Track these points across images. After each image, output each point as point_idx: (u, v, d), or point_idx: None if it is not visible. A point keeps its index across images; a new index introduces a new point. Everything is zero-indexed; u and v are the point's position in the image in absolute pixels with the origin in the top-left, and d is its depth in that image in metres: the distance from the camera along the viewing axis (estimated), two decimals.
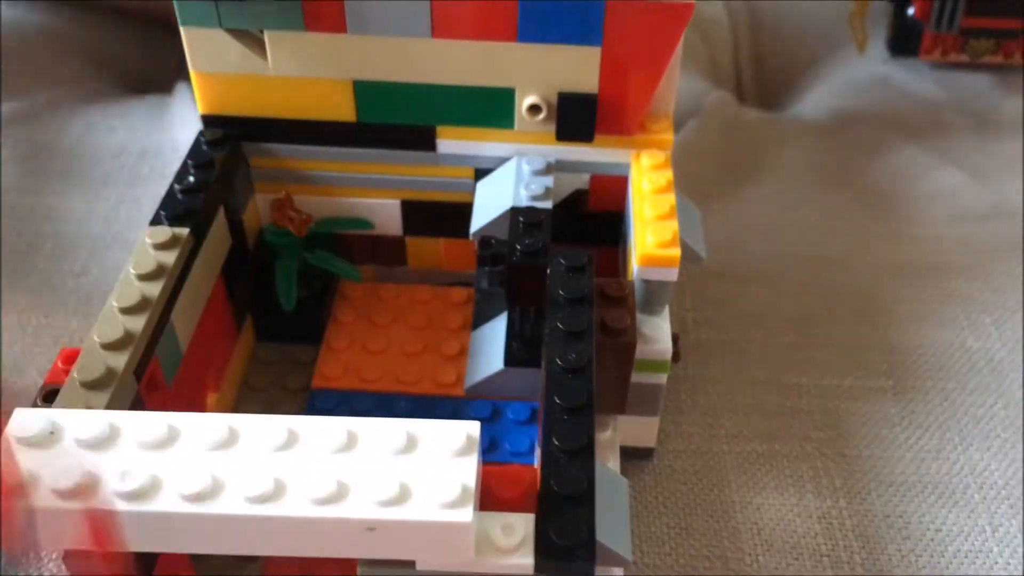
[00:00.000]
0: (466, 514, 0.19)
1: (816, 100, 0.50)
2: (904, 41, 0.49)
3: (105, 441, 0.20)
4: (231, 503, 0.19)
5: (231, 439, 0.21)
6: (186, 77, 0.53)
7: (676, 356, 0.33)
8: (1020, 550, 0.29)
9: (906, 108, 0.47)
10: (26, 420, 0.21)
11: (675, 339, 0.32)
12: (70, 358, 0.25)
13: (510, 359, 0.31)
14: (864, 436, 0.32)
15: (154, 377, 0.26)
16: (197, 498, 0.19)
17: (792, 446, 0.32)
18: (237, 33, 0.29)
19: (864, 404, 0.33)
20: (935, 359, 0.35)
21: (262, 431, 0.21)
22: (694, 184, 0.42)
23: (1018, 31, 0.46)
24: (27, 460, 0.20)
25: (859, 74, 0.50)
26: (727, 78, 0.55)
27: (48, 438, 0.20)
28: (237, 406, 0.32)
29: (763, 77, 0.54)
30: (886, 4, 0.50)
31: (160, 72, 0.52)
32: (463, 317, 0.35)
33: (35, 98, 0.45)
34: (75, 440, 0.20)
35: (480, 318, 0.33)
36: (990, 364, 0.35)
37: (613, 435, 0.30)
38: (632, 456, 0.31)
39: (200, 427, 0.21)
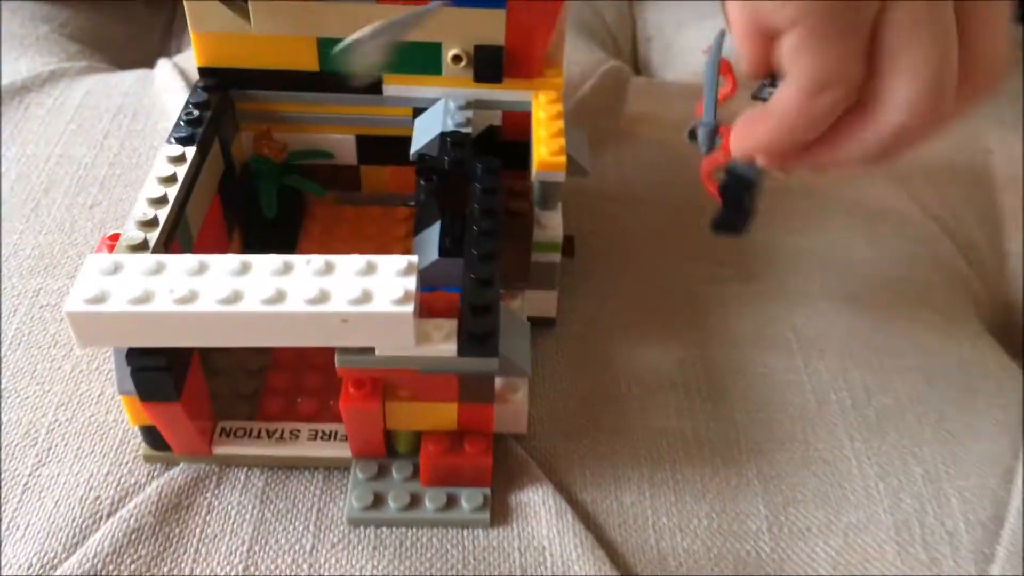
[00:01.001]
0: (409, 308, 0.29)
1: (691, 69, 0.60)
2: None
3: (155, 271, 0.29)
4: (249, 304, 0.28)
5: (244, 268, 0.30)
6: (166, 54, 0.62)
7: (571, 252, 0.43)
8: (824, 378, 0.39)
9: None
10: (98, 259, 0.30)
11: (570, 239, 0.42)
12: (114, 237, 0.34)
13: (443, 251, 0.40)
14: (715, 308, 0.42)
15: (175, 250, 0.35)
16: (225, 302, 0.28)
17: (661, 316, 0.42)
18: (227, 1, 0.38)
19: (716, 287, 0.43)
20: (773, 254, 0.45)
21: (265, 262, 0.30)
22: (591, 132, 0.51)
23: None
24: (102, 285, 0.29)
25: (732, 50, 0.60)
26: (625, 53, 0.65)
27: (115, 270, 0.29)
28: None
29: (654, 52, 0.64)
30: None
31: (143, 52, 0.61)
32: (406, 228, 0.44)
33: (40, 72, 0.53)
34: (135, 271, 0.29)
35: (419, 226, 0.42)
36: (815, 256, 0.45)
37: (522, 304, 0.40)
38: (539, 325, 0.40)
39: (221, 260, 0.30)
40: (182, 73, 0.54)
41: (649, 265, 0.44)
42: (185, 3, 0.38)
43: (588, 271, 0.44)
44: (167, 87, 0.52)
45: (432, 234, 0.41)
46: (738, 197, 0.36)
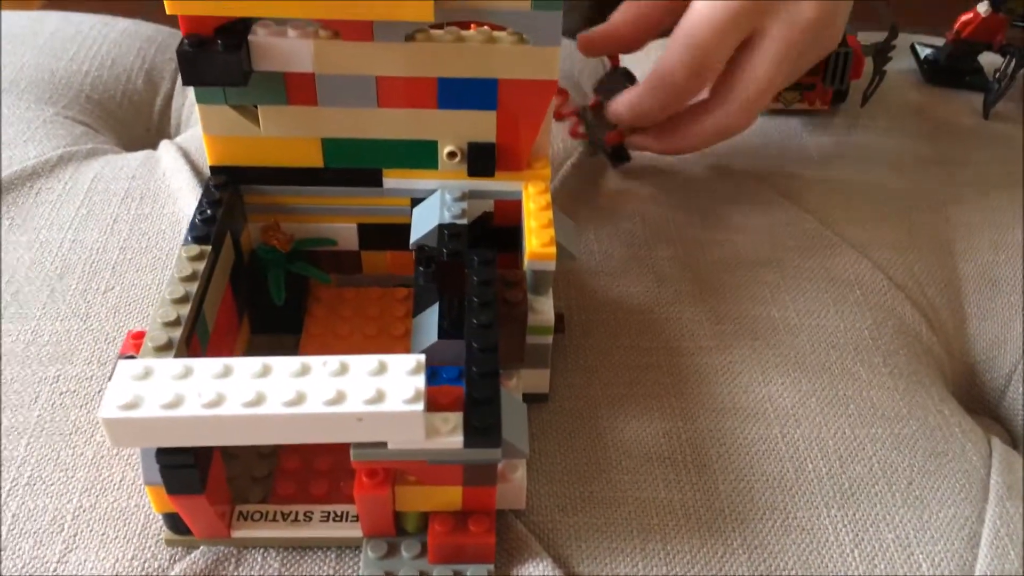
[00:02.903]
0: (419, 407, 0.31)
1: None
2: None
3: (183, 375, 0.32)
4: (272, 407, 0.31)
5: (265, 370, 0.32)
6: (166, 129, 0.64)
7: (562, 329, 0.46)
8: (801, 447, 0.42)
9: (736, 153, 0.60)
10: (129, 364, 0.32)
11: (561, 317, 0.45)
12: (138, 336, 0.37)
13: (442, 333, 0.42)
14: (696, 380, 0.45)
15: (195, 348, 0.37)
16: (250, 405, 0.31)
17: (646, 388, 0.45)
18: (238, 107, 0.41)
19: (696, 358, 0.46)
20: (748, 325, 0.48)
21: (285, 364, 0.32)
22: (574, 207, 0.54)
23: (815, 84, 0.60)
24: (134, 390, 0.31)
25: None
26: None
27: (145, 375, 0.32)
28: None
29: None
30: None
31: (144, 127, 0.64)
32: (405, 308, 0.46)
33: (48, 157, 0.55)
34: (164, 375, 0.32)
35: (418, 307, 0.45)
36: (787, 327, 0.48)
37: (518, 383, 0.42)
38: (533, 400, 0.43)
39: (244, 364, 0.32)
40: (185, 155, 0.56)
41: (634, 338, 0.47)
42: (198, 108, 0.41)
43: (578, 345, 0.47)
44: (172, 170, 0.55)
45: (431, 316, 0.44)
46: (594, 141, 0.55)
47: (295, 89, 0.40)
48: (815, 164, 0.59)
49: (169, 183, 0.54)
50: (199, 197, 0.51)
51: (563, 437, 0.42)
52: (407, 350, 0.44)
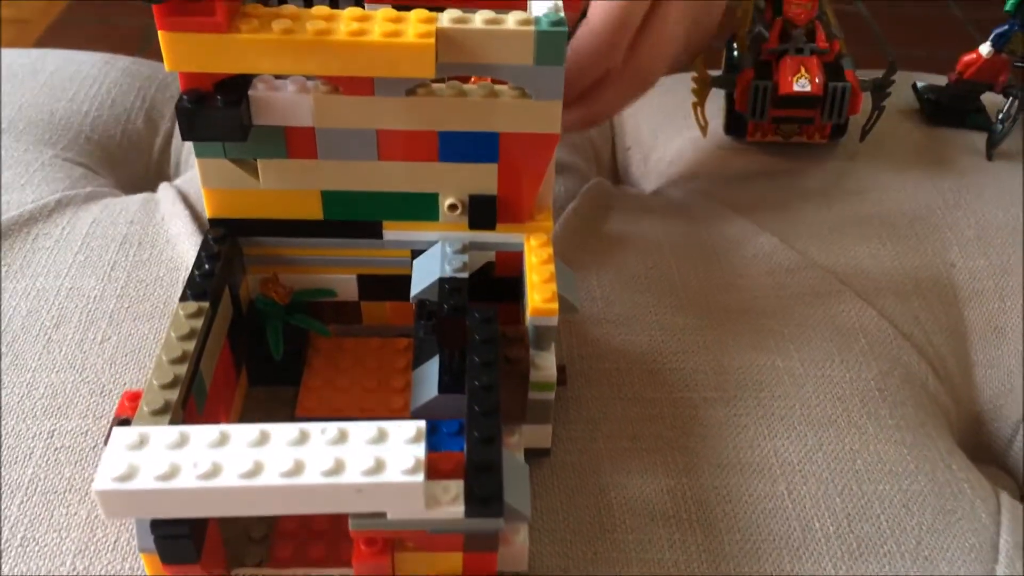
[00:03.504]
0: (419, 478, 0.31)
1: (671, 180, 0.63)
2: (735, 126, 0.63)
3: (179, 443, 0.31)
4: (269, 477, 0.30)
5: (263, 438, 0.32)
6: (164, 170, 0.64)
7: (564, 381, 0.45)
8: (807, 505, 0.41)
9: (737, 187, 0.60)
10: (124, 433, 0.31)
11: (563, 369, 0.44)
12: (134, 397, 0.36)
13: (443, 388, 0.42)
14: (700, 433, 0.44)
15: (191, 408, 0.37)
16: (246, 476, 0.30)
17: (649, 442, 0.44)
18: (237, 160, 0.41)
19: (701, 410, 0.45)
20: (752, 376, 0.47)
21: (282, 432, 0.32)
22: (575, 252, 0.54)
23: (813, 118, 0.60)
24: (129, 460, 0.31)
25: (702, 157, 0.64)
26: (604, 161, 0.68)
27: (140, 444, 0.31)
28: None
29: (632, 160, 0.67)
30: (724, 97, 0.64)
31: (143, 167, 0.63)
32: (405, 360, 0.46)
33: (46, 202, 0.55)
34: (159, 444, 0.31)
35: (418, 360, 0.44)
36: (792, 377, 0.47)
37: (519, 439, 0.42)
38: (534, 455, 0.42)
39: (241, 432, 0.32)
40: (184, 199, 0.56)
41: (637, 388, 0.46)
42: (197, 162, 0.41)
43: (579, 397, 0.46)
44: (171, 215, 0.54)
45: (431, 368, 0.43)
46: None
47: (295, 143, 0.40)
48: (815, 202, 0.59)
49: (168, 228, 0.54)
50: (198, 247, 0.51)
51: (566, 494, 0.41)
52: (407, 403, 0.44)
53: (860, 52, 0.63)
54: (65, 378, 0.45)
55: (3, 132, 0.60)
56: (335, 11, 0.37)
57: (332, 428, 0.32)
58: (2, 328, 0.47)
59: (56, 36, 1.77)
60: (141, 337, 0.47)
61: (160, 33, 0.36)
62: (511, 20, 0.37)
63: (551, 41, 0.37)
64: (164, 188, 0.58)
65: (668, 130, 0.67)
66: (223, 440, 0.31)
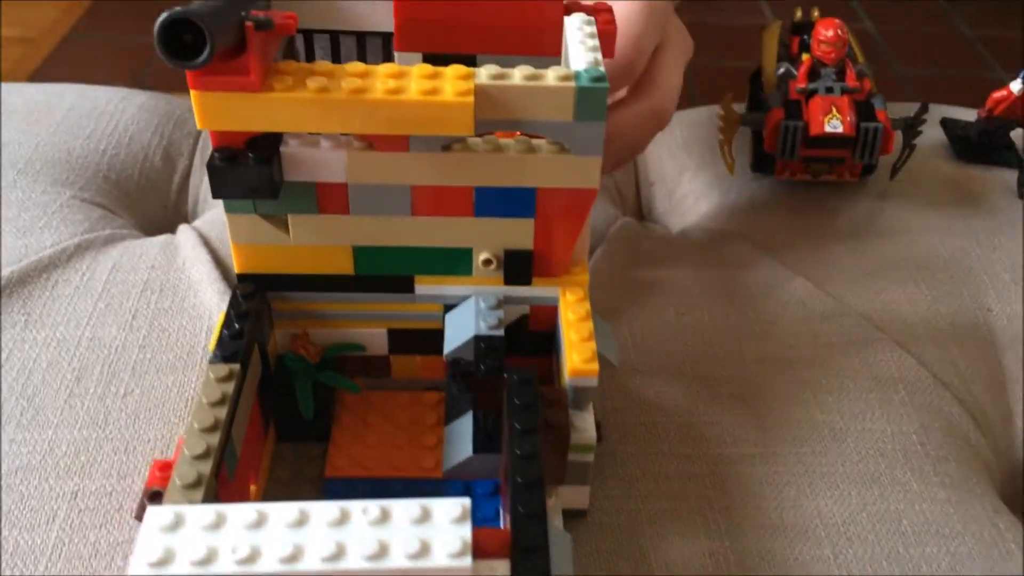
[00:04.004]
0: (467, 561, 0.29)
1: (698, 219, 0.62)
2: (762, 163, 0.62)
3: (216, 524, 0.30)
4: (310, 563, 0.29)
5: (302, 518, 0.30)
6: (183, 209, 0.63)
7: (600, 437, 0.44)
8: (855, 570, 0.40)
9: (766, 227, 0.59)
10: (158, 513, 0.30)
11: (599, 425, 0.43)
12: (164, 467, 0.35)
13: (477, 447, 0.41)
14: (741, 493, 0.43)
15: (223, 476, 0.35)
16: (286, 561, 0.29)
17: (689, 502, 0.43)
18: (267, 216, 0.40)
19: (740, 468, 0.44)
20: (791, 430, 0.46)
21: (321, 512, 0.31)
22: (606, 297, 0.53)
23: (845, 159, 0.59)
24: (164, 543, 0.29)
25: (729, 195, 0.62)
26: (629, 198, 0.67)
27: (176, 525, 0.30)
28: (267, 494, 0.42)
29: (656, 196, 0.66)
30: (750, 134, 0.63)
31: (161, 205, 0.62)
32: (436, 415, 0.45)
33: (65, 246, 0.54)
34: (195, 525, 0.30)
35: (451, 415, 0.43)
36: (832, 432, 0.46)
37: (556, 501, 0.41)
38: (571, 516, 0.41)
39: (280, 511, 0.30)
40: (205, 242, 0.55)
41: (674, 444, 0.45)
42: (226, 217, 0.40)
43: (615, 453, 0.45)
44: (192, 259, 0.53)
45: (464, 426, 0.42)
46: None
47: (327, 198, 0.39)
48: (847, 244, 0.58)
49: (189, 274, 0.53)
50: (220, 293, 0.50)
51: (606, 557, 0.40)
52: (439, 462, 0.42)
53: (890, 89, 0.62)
54: (88, 435, 0.44)
55: (20, 172, 0.59)
56: (370, 67, 0.36)
57: (374, 507, 0.31)
58: (22, 382, 0.46)
59: (64, 55, 1.77)
60: (164, 390, 0.46)
61: (192, 92, 0.35)
62: (551, 76, 0.36)
63: (592, 97, 0.36)
64: (184, 230, 0.57)
65: (692, 166, 0.66)
66: (261, 521, 0.30)
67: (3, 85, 0.69)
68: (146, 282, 0.52)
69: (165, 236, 0.57)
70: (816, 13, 0.67)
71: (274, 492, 0.42)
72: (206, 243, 0.55)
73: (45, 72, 1.71)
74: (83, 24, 1.94)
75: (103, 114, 0.66)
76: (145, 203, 0.62)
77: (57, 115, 0.65)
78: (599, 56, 0.38)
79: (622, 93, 0.51)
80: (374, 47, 0.47)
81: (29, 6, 1.92)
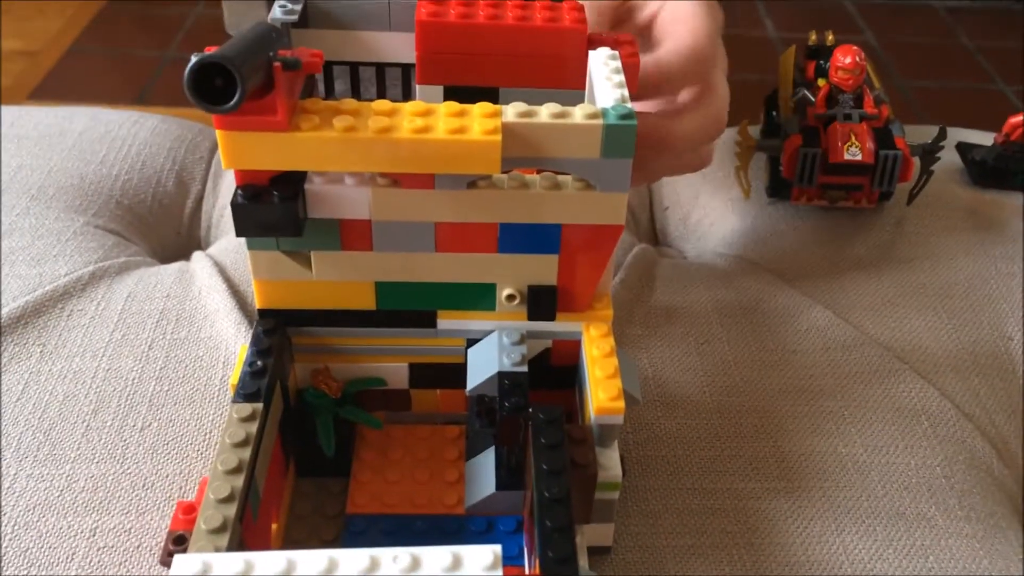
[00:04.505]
0: None
1: (714, 244, 0.62)
2: (778, 189, 0.62)
3: (244, 574, 0.30)
4: None
5: (331, 566, 0.30)
6: (197, 242, 0.63)
7: (624, 472, 0.44)
8: None
9: (783, 253, 0.59)
10: (185, 562, 0.30)
11: (621, 459, 0.43)
12: (188, 510, 0.35)
13: (500, 484, 0.40)
14: (765, 528, 0.43)
15: (247, 519, 0.35)
16: None
17: (713, 538, 0.42)
18: (290, 252, 0.40)
19: (764, 502, 0.44)
20: (815, 463, 0.46)
21: (351, 560, 0.30)
22: (624, 326, 0.53)
23: (863, 185, 0.59)
24: None
25: (745, 220, 0.62)
26: (643, 223, 0.67)
27: (203, 574, 0.30)
28: (288, 531, 0.41)
29: (670, 220, 0.66)
30: (765, 158, 0.63)
31: (174, 229, 0.62)
32: (458, 450, 0.44)
33: (80, 275, 0.54)
34: (223, 574, 0.30)
35: (472, 451, 0.43)
36: (856, 465, 0.46)
37: (581, 539, 0.40)
38: (595, 552, 0.41)
39: (308, 560, 0.30)
40: (221, 271, 0.55)
41: (696, 478, 0.45)
42: (248, 253, 0.39)
43: (637, 488, 0.44)
44: (208, 288, 0.53)
45: (486, 461, 0.42)
46: None
47: (350, 235, 0.39)
48: (867, 271, 0.57)
49: (205, 303, 0.52)
50: (236, 324, 0.50)
51: None
52: (461, 498, 0.42)
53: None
54: (106, 470, 0.44)
55: (32, 198, 0.59)
56: (397, 105, 0.36)
57: (404, 555, 0.30)
58: (39, 415, 0.46)
59: (67, 69, 1.77)
60: (182, 423, 0.46)
61: (219, 132, 0.34)
62: (578, 113, 0.36)
63: (619, 135, 0.36)
64: (199, 258, 0.57)
65: (707, 190, 0.66)
66: (290, 569, 0.30)
67: (13, 109, 0.68)
68: (162, 311, 0.52)
69: (180, 263, 0.57)
70: (831, 37, 0.66)
71: (295, 529, 0.41)
72: (221, 271, 0.55)
73: (48, 87, 1.71)
74: (86, 36, 1.94)
75: (115, 138, 0.66)
76: (158, 229, 0.62)
77: (69, 140, 0.65)
78: (625, 92, 0.38)
79: (687, 96, 0.49)
80: (393, 77, 0.47)
81: (31, 18, 1.92)
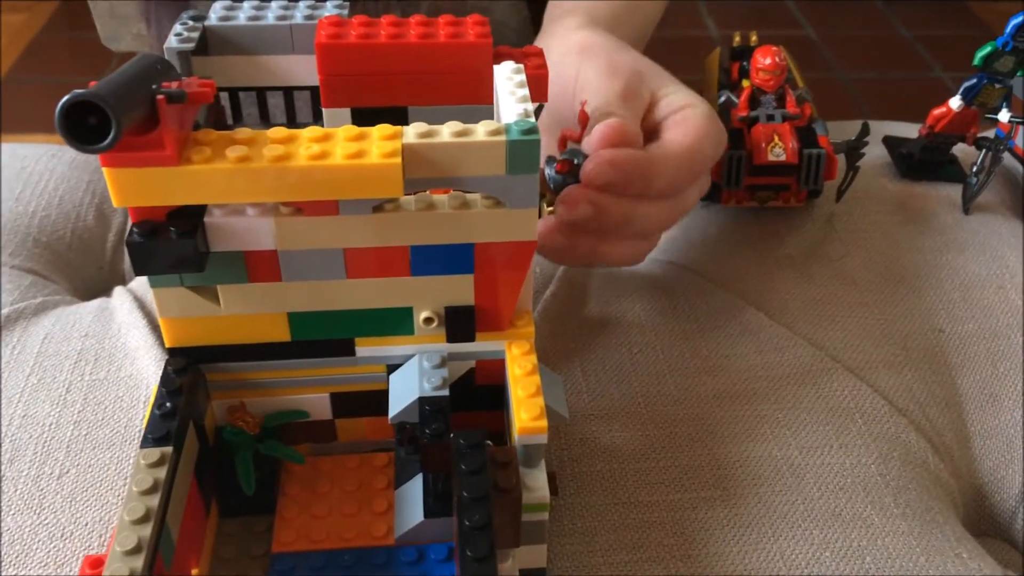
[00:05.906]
0: None
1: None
2: (708, 193, 0.61)
3: None
4: None
5: None
6: (120, 276, 0.61)
7: (555, 491, 0.43)
8: None
9: (714, 256, 0.58)
10: None
11: (553, 477, 0.42)
12: (95, 564, 0.33)
13: (428, 512, 0.39)
14: (702, 538, 0.42)
15: (159, 566, 0.34)
16: None
17: (650, 552, 0.42)
18: (196, 288, 0.38)
19: (700, 512, 0.43)
20: (750, 469, 0.45)
21: None
22: (557, 340, 0.52)
23: (790, 185, 0.59)
24: None
25: (675, 225, 0.62)
26: None
27: None
28: (212, 575, 0.40)
29: None
30: None
31: (95, 265, 0.60)
32: (387, 478, 0.43)
33: None
34: None
35: (401, 478, 0.42)
36: (791, 468, 0.45)
37: (512, 563, 0.39)
38: (528, 575, 0.40)
39: None
40: (141, 306, 0.53)
41: (632, 492, 0.44)
42: (152, 292, 0.38)
43: (572, 506, 0.44)
44: (128, 325, 0.52)
45: (414, 489, 0.41)
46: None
47: (257, 266, 0.38)
48: (798, 270, 0.57)
49: (125, 341, 0.51)
50: (158, 361, 0.48)
51: None
52: (390, 528, 0.41)
53: (809, 78, 0.62)
54: (23, 521, 0.42)
55: None
56: (293, 132, 0.35)
57: None
58: None
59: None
60: (102, 467, 0.45)
61: (105, 170, 0.33)
62: (480, 131, 0.35)
63: (523, 150, 0.35)
64: (119, 293, 0.55)
65: None
66: None
67: None
68: (80, 352, 0.50)
69: (100, 300, 0.55)
70: (754, 38, 0.66)
71: (219, 572, 0.40)
72: (142, 306, 0.53)
73: None
74: (20, 66, 1.91)
75: (32, 174, 0.64)
76: (79, 265, 0.61)
77: None
78: (529, 107, 0.37)
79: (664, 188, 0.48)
80: (303, 100, 0.46)
81: None
